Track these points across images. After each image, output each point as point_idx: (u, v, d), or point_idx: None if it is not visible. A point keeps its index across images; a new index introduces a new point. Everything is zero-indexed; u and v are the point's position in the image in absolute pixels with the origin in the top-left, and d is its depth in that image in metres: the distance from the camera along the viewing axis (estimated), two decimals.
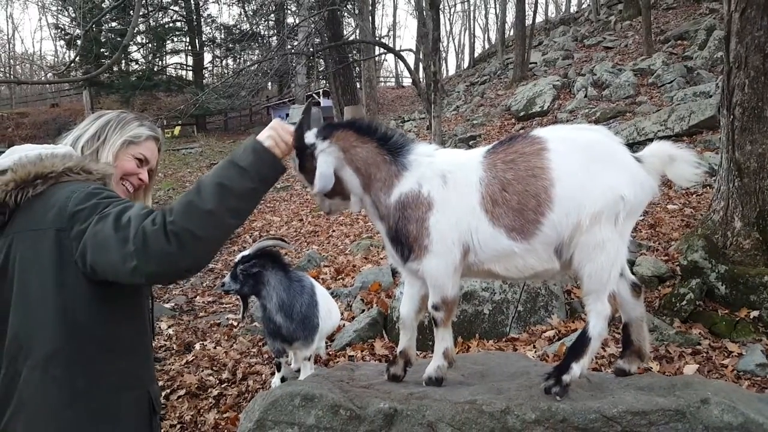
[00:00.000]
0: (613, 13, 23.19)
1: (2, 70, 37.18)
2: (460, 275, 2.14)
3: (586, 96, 13.63)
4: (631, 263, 5.11)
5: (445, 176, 2.10)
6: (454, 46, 59.97)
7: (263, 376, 4.30)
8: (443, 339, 2.22)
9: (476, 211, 2.05)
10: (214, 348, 4.95)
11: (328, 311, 3.72)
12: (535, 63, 19.93)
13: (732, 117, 4.79)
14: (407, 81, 38.14)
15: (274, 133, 1.66)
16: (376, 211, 2.17)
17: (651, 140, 9.36)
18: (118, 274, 1.39)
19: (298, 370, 3.75)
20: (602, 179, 1.99)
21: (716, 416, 1.88)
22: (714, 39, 13.19)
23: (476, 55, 37.15)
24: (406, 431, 1.99)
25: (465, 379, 2.36)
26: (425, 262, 2.08)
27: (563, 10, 41.21)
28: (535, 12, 25.86)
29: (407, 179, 2.11)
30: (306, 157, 2.07)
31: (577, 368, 2.04)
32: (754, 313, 4.24)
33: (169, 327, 5.60)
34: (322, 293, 3.73)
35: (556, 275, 2.16)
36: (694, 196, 6.99)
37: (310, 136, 2.08)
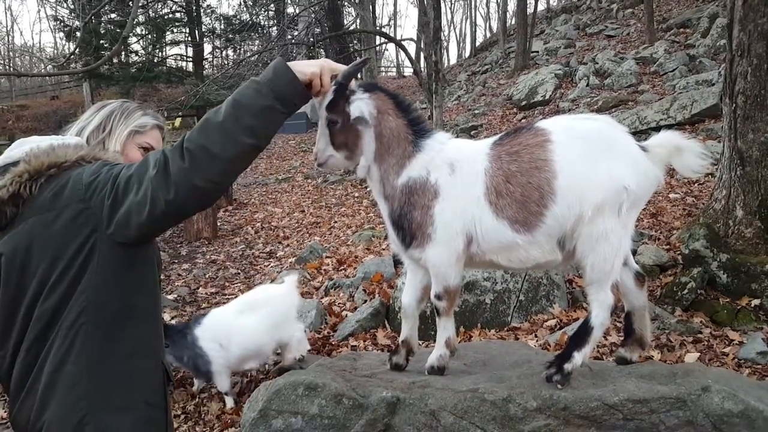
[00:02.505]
0: (615, 1, 22.98)
1: (2, 62, 37.06)
2: (463, 265, 2.15)
3: (588, 85, 13.55)
4: (633, 252, 5.10)
5: (453, 165, 2.11)
6: (456, 35, 59.64)
7: (266, 366, 4.32)
8: (445, 328, 2.24)
9: (480, 202, 2.06)
10: None
11: (226, 342, 3.77)
12: (537, 52, 19.79)
13: (734, 105, 4.76)
14: (408, 71, 37.90)
15: (316, 67, 1.64)
16: (382, 189, 2.17)
17: (653, 129, 9.35)
18: (142, 212, 1.37)
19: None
20: (605, 169, 1.99)
21: (717, 404, 1.90)
22: (717, 27, 13.09)
23: (477, 44, 36.89)
24: (409, 419, 2.01)
25: (467, 367, 2.38)
26: (428, 250, 2.09)
27: None
28: (536, 0, 25.65)
29: (417, 163, 2.11)
30: (341, 98, 2.05)
31: (578, 357, 2.05)
32: (756, 302, 4.25)
33: (172, 318, 5.62)
34: (213, 330, 3.80)
35: (558, 266, 2.17)
36: (695, 185, 6.98)
37: (354, 83, 2.10)
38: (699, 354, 3.81)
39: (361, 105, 2.06)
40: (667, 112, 9.20)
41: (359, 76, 17.96)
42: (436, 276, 2.14)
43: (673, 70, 12.34)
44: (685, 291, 4.43)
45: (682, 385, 1.98)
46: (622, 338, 2.38)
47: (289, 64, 1.53)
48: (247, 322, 3.85)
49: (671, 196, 6.67)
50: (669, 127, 8.95)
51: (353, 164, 2.18)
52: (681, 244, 4.91)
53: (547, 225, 2.02)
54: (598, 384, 2.06)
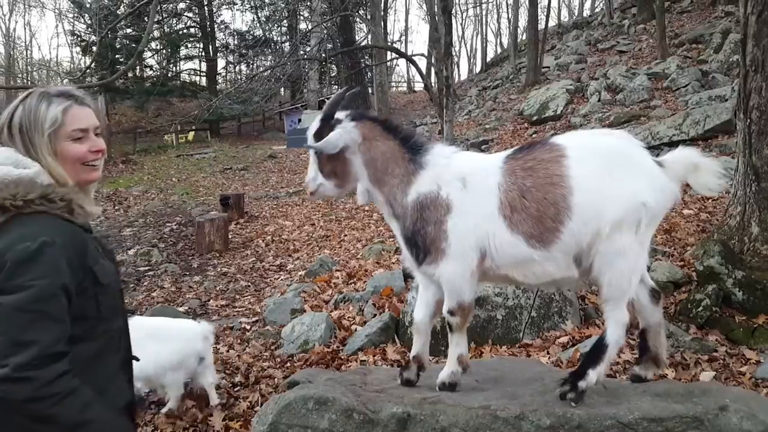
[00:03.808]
0: (626, 17, 23.05)
1: (20, 75, 37.81)
2: (477, 281, 2.14)
3: (599, 100, 13.54)
4: (647, 269, 5.05)
5: (465, 179, 2.11)
6: (466, 50, 59.93)
7: (275, 380, 4.31)
8: (458, 344, 2.22)
9: (495, 217, 2.05)
10: (227, 351, 4.97)
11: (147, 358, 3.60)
12: (548, 67, 19.85)
13: (749, 121, 4.73)
14: (419, 86, 38.16)
15: None
16: (391, 210, 2.18)
17: (665, 144, 9.29)
18: None
19: None
20: (623, 186, 1.97)
21: (735, 424, 1.86)
22: (730, 42, 13.05)
23: (488, 59, 37.09)
24: None
25: (479, 384, 2.35)
26: (442, 265, 2.08)
27: (576, 14, 41.05)
28: (547, 16, 25.80)
29: (425, 179, 2.12)
30: (328, 126, 2.12)
31: (593, 375, 2.02)
32: None
33: None
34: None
35: (574, 282, 2.15)
36: (710, 200, 6.90)
37: (341, 113, 2.16)
38: (715, 373, 3.74)
39: (341, 132, 2.11)
40: (679, 127, 9.16)
41: (370, 92, 18.10)
42: (450, 291, 2.13)
43: (686, 85, 12.30)
44: (700, 308, 4.37)
45: (698, 404, 1.94)
46: (636, 356, 2.35)
47: None
48: (154, 348, 3.56)
49: (685, 212, 6.60)
50: (682, 142, 8.91)
51: (344, 191, 2.25)
52: (695, 260, 4.85)
53: (564, 241, 2.00)
54: (612, 402, 2.03)
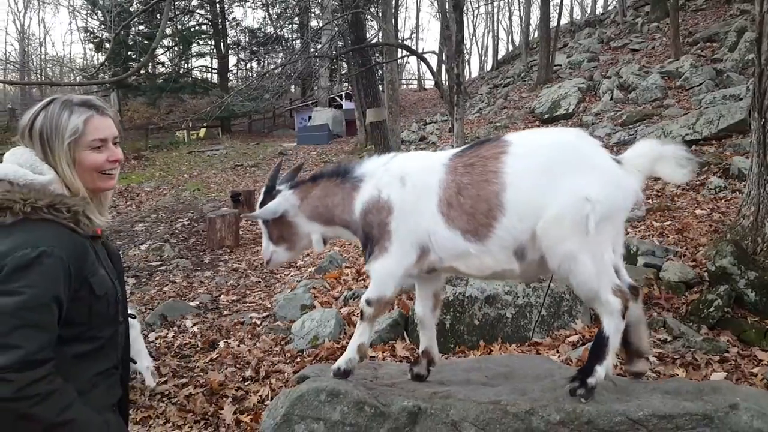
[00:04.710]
0: (639, 15, 22.84)
1: (35, 72, 38.24)
2: (408, 277, 2.20)
3: (611, 99, 13.46)
4: (658, 268, 5.04)
5: (404, 179, 2.17)
6: (478, 48, 59.75)
7: (285, 374, 4.35)
8: (362, 334, 2.27)
9: (434, 214, 2.10)
10: (238, 346, 5.02)
11: None
12: (560, 65, 19.74)
13: (763, 120, 4.68)
14: (429, 83, 38.13)
15: None
16: (351, 231, 2.29)
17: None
18: None
19: None
20: (564, 182, 1.96)
21: (745, 422, 1.86)
22: (745, 41, 12.90)
23: (500, 57, 36.92)
24: (430, 429, 2.01)
25: (488, 380, 2.37)
26: (379, 260, 2.15)
27: (589, 11, 40.74)
28: (559, 14, 25.61)
29: (366, 189, 2.21)
30: (270, 197, 2.33)
31: (601, 370, 2.03)
32: None
33: (194, 325, 5.69)
34: None
35: (517, 276, 2.17)
36: (722, 200, 6.85)
37: (282, 185, 2.37)
38: (726, 374, 3.72)
39: (281, 201, 2.29)
40: (693, 126, 9.08)
41: (380, 90, 18.11)
42: (375, 283, 2.20)
43: (700, 84, 12.19)
44: (712, 309, 4.34)
45: (709, 402, 1.94)
46: (624, 357, 2.36)
47: None
48: None
49: (697, 212, 6.56)
50: (695, 142, 8.84)
51: (296, 254, 2.45)
52: (707, 260, 4.82)
53: (498, 236, 2.03)
54: (622, 399, 2.04)
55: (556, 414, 1.94)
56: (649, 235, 6.05)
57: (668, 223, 6.37)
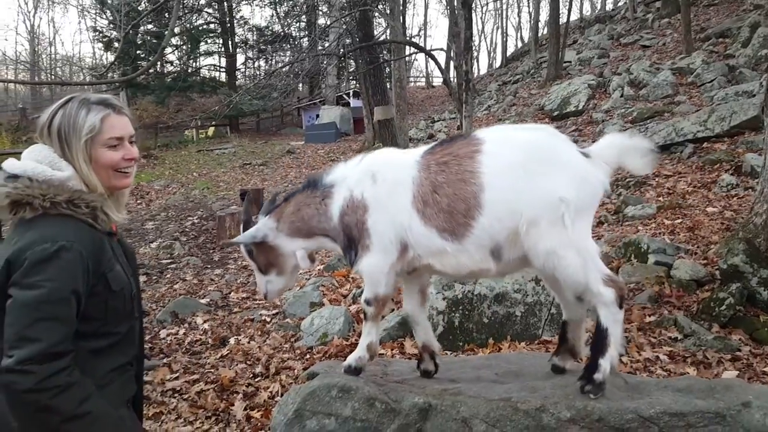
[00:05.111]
0: (650, 11, 22.64)
1: (45, 72, 38.59)
2: (396, 274, 2.20)
3: (622, 95, 13.36)
4: (669, 266, 5.00)
5: (375, 175, 2.18)
6: (486, 44, 59.60)
7: (295, 371, 4.37)
8: (369, 333, 2.30)
9: (408, 210, 2.11)
10: (248, 343, 5.05)
11: None
12: (570, 62, 19.62)
13: None
14: (438, 81, 38.02)
15: None
16: (334, 239, 2.29)
17: (690, 141, 9.10)
18: None
19: None
20: (538, 183, 1.98)
21: (758, 420, 1.85)
22: (758, 36, 12.75)
23: (509, 53, 36.75)
24: (441, 426, 2.02)
25: (499, 377, 2.37)
26: (364, 259, 2.16)
27: (599, 7, 40.40)
28: (569, 10, 25.50)
29: (339, 193, 2.23)
30: (248, 227, 2.37)
31: (605, 363, 2.03)
32: None
33: (205, 322, 5.73)
34: None
35: (493, 275, 2.19)
36: (734, 198, 6.79)
37: (259, 216, 2.40)
38: (738, 372, 3.70)
39: (259, 227, 2.33)
40: (704, 123, 8.99)
41: (388, 88, 18.11)
42: (368, 283, 2.21)
43: (711, 80, 12.07)
44: (723, 307, 4.31)
45: (721, 400, 1.94)
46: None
47: None
48: None
49: (709, 209, 6.50)
50: (706, 139, 8.76)
51: (290, 278, 2.44)
52: (719, 258, 4.79)
53: (476, 236, 2.04)
54: (633, 396, 2.04)
55: (566, 411, 1.95)
56: (660, 233, 6.01)
57: (679, 220, 6.33)
